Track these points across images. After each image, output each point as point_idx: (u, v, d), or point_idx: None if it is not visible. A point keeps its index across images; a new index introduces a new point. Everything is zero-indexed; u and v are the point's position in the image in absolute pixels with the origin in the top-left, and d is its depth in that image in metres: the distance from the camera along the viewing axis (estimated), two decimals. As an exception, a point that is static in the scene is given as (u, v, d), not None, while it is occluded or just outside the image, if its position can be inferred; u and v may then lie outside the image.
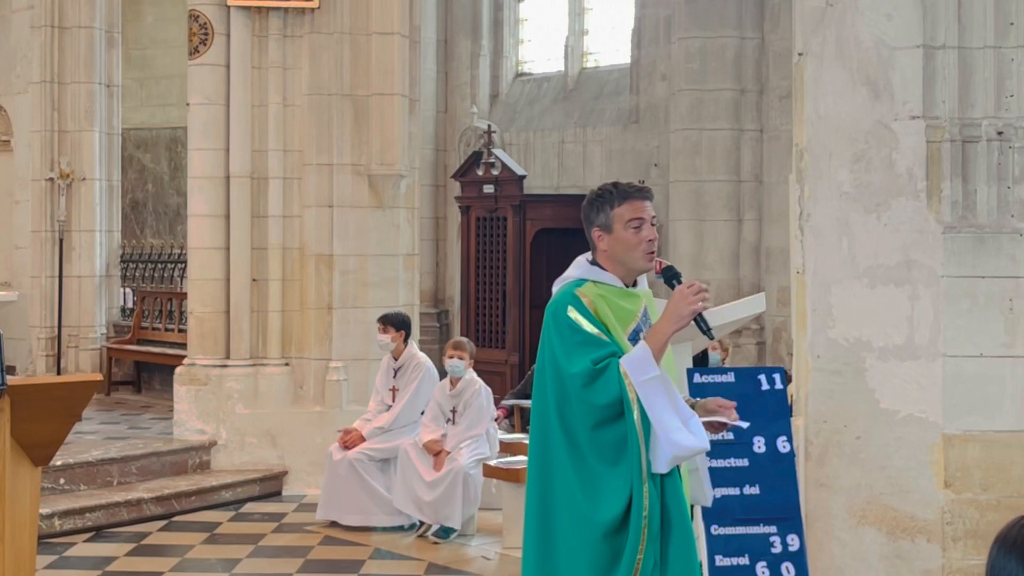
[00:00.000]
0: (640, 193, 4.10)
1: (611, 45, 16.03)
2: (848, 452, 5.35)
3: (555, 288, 4.19)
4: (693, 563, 4.00)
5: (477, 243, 15.05)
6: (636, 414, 3.88)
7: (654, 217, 4.11)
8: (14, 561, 4.80)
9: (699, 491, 4.22)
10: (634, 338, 4.04)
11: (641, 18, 15.06)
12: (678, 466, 3.99)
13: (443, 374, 8.97)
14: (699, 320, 3.96)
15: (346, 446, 8.93)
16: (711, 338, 4.05)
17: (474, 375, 8.81)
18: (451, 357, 8.73)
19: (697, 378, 5.17)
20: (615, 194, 4.08)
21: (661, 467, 3.89)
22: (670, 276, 4.10)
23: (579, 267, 4.15)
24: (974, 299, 5.17)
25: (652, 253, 4.09)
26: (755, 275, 13.59)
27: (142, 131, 18.24)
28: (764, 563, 5.12)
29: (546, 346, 4.05)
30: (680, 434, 3.86)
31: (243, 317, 10.13)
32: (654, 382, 3.87)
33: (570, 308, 4.01)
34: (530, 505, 4.11)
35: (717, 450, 5.00)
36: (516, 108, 16.61)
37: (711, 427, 4.09)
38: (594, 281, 4.08)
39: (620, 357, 3.93)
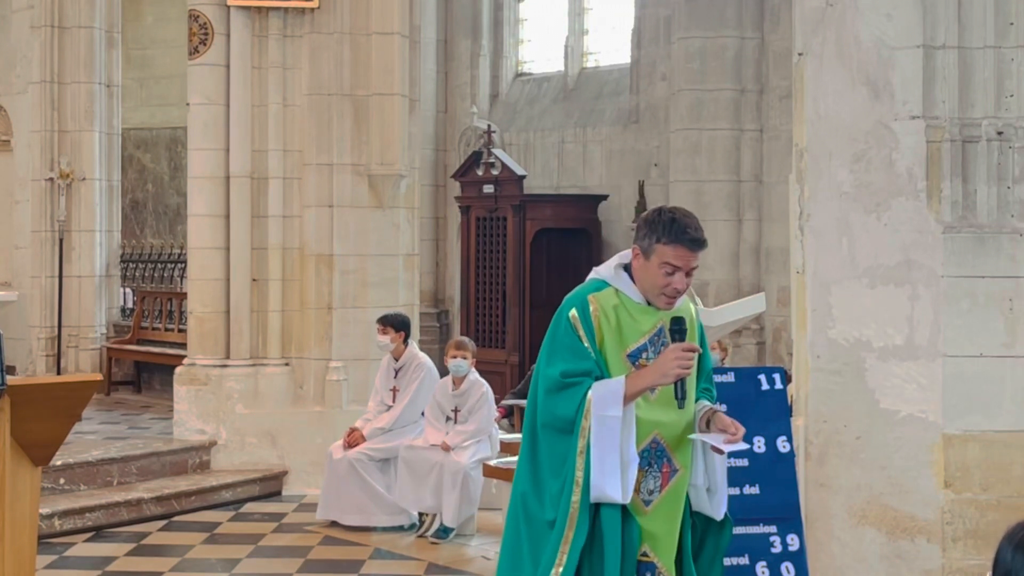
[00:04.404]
0: (692, 244, 3.98)
1: (611, 45, 16.02)
2: (848, 452, 5.35)
3: (589, 276, 4.20)
4: None
5: (477, 243, 15.05)
6: (581, 444, 3.92)
7: (695, 268, 4.03)
8: (14, 561, 4.80)
9: (706, 504, 4.18)
10: (635, 356, 4.04)
11: (641, 18, 15.05)
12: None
13: (444, 374, 8.97)
14: (678, 385, 3.97)
15: (348, 445, 8.93)
16: (680, 407, 4.02)
17: (478, 376, 8.81)
18: (454, 357, 8.72)
19: (697, 378, 5.15)
20: (668, 232, 3.99)
21: (590, 499, 3.92)
22: (676, 327, 4.06)
23: (611, 269, 4.14)
24: (974, 299, 5.17)
25: (673, 300, 4.05)
26: (755, 275, 13.58)
27: (142, 131, 18.24)
28: (764, 563, 5.12)
29: (547, 336, 4.09)
30: (608, 480, 3.88)
31: (243, 317, 10.13)
32: (613, 421, 3.89)
33: (573, 311, 4.03)
34: (514, 484, 4.19)
35: (717, 450, 4.99)
36: (516, 108, 16.60)
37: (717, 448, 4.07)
38: (617, 289, 4.08)
39: (596, 377, 3.95)
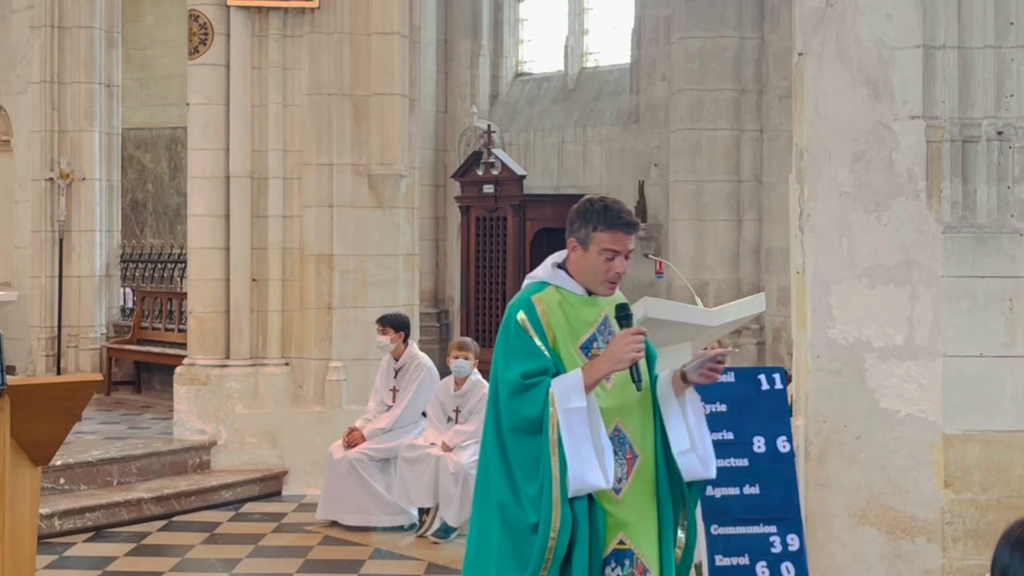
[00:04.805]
0: (626, 227, 4.11)
1: (611, 45, 16.03)
2: (848, 452, 5.35)
3: (524, 283, 4.29)
4: None
5: (477, 243, 15.05)
6: (553, 437, 3.96)
7: (632, 251, 4.15)
8: (14, 561, 4.80)
9: (698, 467, 4.18)
10: (587, 347, 4.12)
11: (641, 18, 15.06)
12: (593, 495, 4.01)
13: (445, 374, 8.96)
14: (633, 369, 4.03)
15: (348, 444, 8.93)
16: (639, 389, 4.08)
17: (480, 376, 8.80)
18: (456, 357, 8.71)
19: (697, 378, 5.15)
20: (603, 219, 4.10)
21: (568, 493, 3.96)
22: (622, 314, 4.14)
23: (546, 269, 4.24)
24: (974, 299, 5.16)
25: (615, 284, 4.16)
26: (755, 275, 13.58)
27: (142, 131, 18.24)
28: (764, 563, 5.12)
29: (498, 342, 4.16)
30: (588, 468, 3.93)
31: (243, 317, 10.13)
32: (579, 412, 3.95)
33: (521, 313, 4.11)
34: (476, 491, 4.22)
35: (717, 450, 5.00)
36: (516, 108, 16.61)
37: (706, 375, 4.10)
38: (557, 287, 4.17)
39: (552, 374, 4.01)
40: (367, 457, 8.89)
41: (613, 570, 4.08)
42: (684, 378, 4.16)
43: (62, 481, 9.06)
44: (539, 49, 16.82)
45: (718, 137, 13.53)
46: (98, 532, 8.66)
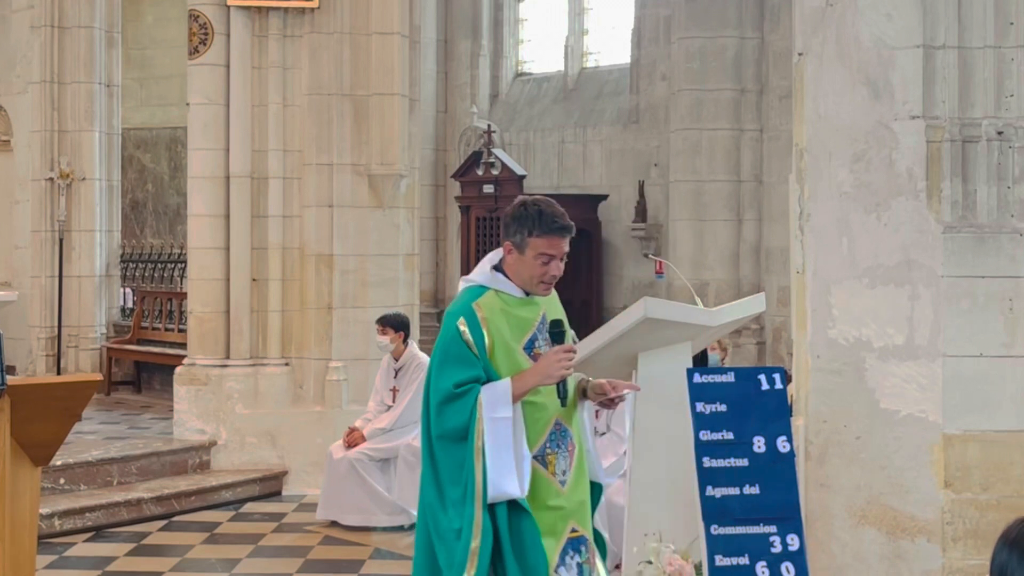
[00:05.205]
0: (561, 231, 4.20)
1: (611, 45, 16.03)
2: (848, 452, 5.35)
3: (460, 286, 4.39)
4: None
5: (477, 243, 15.05)
6: (478, 444, 4.08)
7: (566, 253, 4.25)
8: (14, 561, 4.80)
9: (596, 471, 4.46)
10: (529, 347, 4.24)
11: (641, 18, 15.06)
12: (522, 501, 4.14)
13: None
14: (560, 385, 4.17)
15: (348, 444, 8.93)
16: (563, 405, 4.24)
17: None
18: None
19: (697, 378, 5.16)
20: (538, 224, 4.18)
21: (488, 499, 4.09)
22: (556, 330, 4.27)
23: (483, 273, 4.32)
24: (974, 299, 5.16)
25: (550, 286, 4.26)
26: (755, 275, 13.59)
27: (142, 131, 18.24)
28: (764, 563, 5.11)
29: (436, 349, 4.27)
30: (505, 477, 4.06)
31: (243, 317, 10.13)
32: (504, 422, 4.08)
33: (461, 320, 4.20)
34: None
35: (717, 450, 5.00)
36: (516, 108, 16.61)
37: (603, 403, 4.38)
38: (496, 290, 4.25)
39: (484, 383, 4.12)
40: (367, 457, 8.89)
41: (572, 558, 4.23)
42: (584, 393, 4.40)
43: (62, 481, 9.06)
44: (539, 49, 16.83)
45: (718, 137, 13.53)
46: (98, 532, 8.66)
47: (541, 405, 4.20)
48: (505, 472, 4.05)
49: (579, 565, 4.24)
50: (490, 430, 4.07)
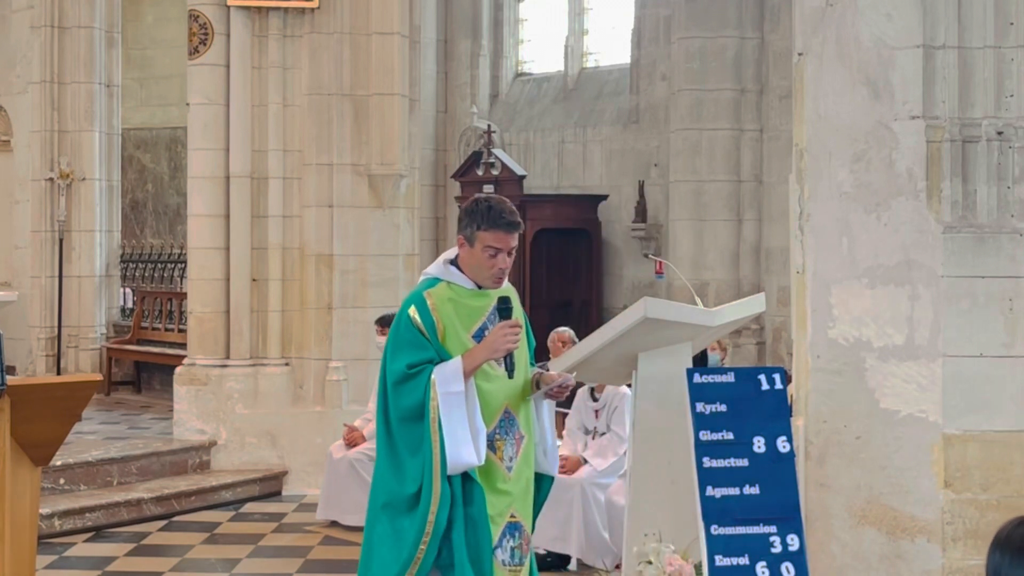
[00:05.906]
0: (508, 227, 4.42)
1: (611, 45, 16.03)
2: (848, 452, 5.35)
3: (420, 278, 4.63)
4: (483, 567, 4.35)
5: (477, 243, 15.03)
6: (433, 417, 4.29)
7: (514, 248, 4.46)
8: (14, 561, 4.80)
9: (543, 460, 4.65)
10: (479, 335, 4.45)
11: (641, 18, 15.06)
12: (475, 472, 4.36)
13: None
14: (507, 358, 4.39)
15: (348, 444, 8.93)
16: (510, 377, 4.44)
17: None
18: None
19: (697, 378, 5.16)
20: (486, 219, 4.41)
21: (447, 470, 4.30)
22: (503, 307, 4.48)
23: (439, 266, 4.56)
24: (974, 299, 5.16)
25: (500, 279, 4.49)
26: (755, 275, 13.59)
27: (142, 131, 18.24)
28: (764, 563, 5.11)
29: (390, 336, 4.50)
30: (462, 448, 4.28)
31: (243, 317, 10.13)
32: (457, 396, 4.30)
33: (412, 307, 4.44)
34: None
35: (717, 450, 5.00)
36: (516, 108, 16.61)
37: (551, 394, 4.57)
38: (448, 282, 4.48)
39: (437, 364, 4.33)
40: (367, 457, 8.88)
41: (508, 541, 4.46)
42: (537, 384, 4.58)
43: (62, 481, 9.06)
44: (539, 49, 16.83)
45: (718, 137, 13.53)
46: (98, 532, 8.67)
47: (491, 392, 4.41)
48: (462, 443, 4.27)
49: (512, 549, 4.47)
50: (444, 404, 4.28)
